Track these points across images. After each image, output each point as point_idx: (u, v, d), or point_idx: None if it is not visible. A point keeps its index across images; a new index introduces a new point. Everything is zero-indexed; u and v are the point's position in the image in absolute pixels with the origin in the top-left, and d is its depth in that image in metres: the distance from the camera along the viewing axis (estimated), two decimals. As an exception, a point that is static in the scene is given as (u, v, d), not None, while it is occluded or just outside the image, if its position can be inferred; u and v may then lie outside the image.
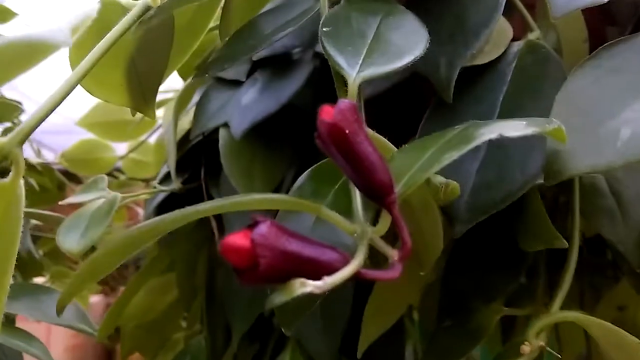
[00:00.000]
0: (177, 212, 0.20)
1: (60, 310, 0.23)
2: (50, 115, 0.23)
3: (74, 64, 0.30)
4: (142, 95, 0.35)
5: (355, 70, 0.26)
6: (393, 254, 0.22)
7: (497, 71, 0.34)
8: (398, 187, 0.22)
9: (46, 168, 0.63)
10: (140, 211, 0.99)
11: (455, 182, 0.28)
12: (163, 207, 0.48)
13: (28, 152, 0.70)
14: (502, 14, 0.38)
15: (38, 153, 0.75)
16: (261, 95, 0.42)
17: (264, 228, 0.19)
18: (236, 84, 0.45)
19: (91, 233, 0.38)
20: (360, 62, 0.26)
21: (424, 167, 0.22)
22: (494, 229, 0.36)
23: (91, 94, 0.34)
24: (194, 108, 0.51)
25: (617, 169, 0.35)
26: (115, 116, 0.82)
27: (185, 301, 0.55)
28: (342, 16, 0.29)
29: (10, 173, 0.22)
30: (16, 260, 0.68)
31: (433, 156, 0.22)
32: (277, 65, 0.43)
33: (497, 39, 0.36)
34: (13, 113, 0.68)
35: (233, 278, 0.46)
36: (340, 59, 0.26)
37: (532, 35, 0.36)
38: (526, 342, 0.29)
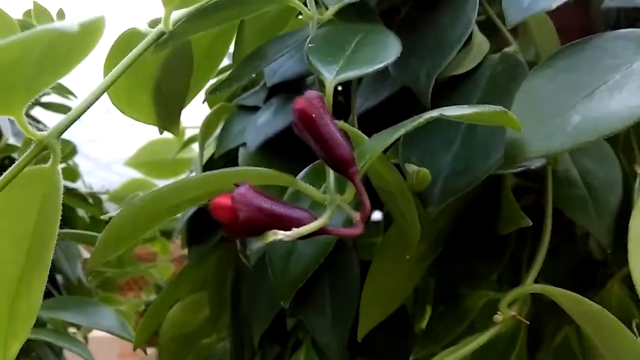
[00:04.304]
0: (176, 183, 0.26)
1: (89, 274, 0.28)
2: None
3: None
4: (168, 114, 0.41)
5: (333, 75, 0.31)
6: (356, 215, 0.26)
7: (473, 79, 0.39)
8: (362, 162, 0.27)
9: (96, 199, 0.70)
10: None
11: (425, 169, 0.32)
12: (193, 220, 0.53)
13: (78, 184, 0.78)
14: (488, 34, 0.43)
15: (90, 188, 0.83)
16: (274, 116, 0.47)
17: (242, 189, 0.24)
18: (255, 109, 0.51)
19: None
20: (337, 68, 0.31)
21: (381, 142, 0.27)
22: (479, 223, 0.40)
23: (124, 114, 0.39)
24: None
25: (588, 162, 0.38)
26: (160, 156, 0.90)
27: (214, 315, 0.59)
28: (327, 34, 0.34)
29: (50, 160, 0.28)
30: (68, 286, 0.75)
31: (388, 135, 0.27)
32: (291, 90, 0.49)
33: (475, 53, 0.41)
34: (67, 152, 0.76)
35: (254, 286, 0.51)
36: (320, 66, 0.31)
37: (509, 49, 0.40)
38: (499, 312, 0.32)
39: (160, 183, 0.93)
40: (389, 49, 0.34)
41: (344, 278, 0.46)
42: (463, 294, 0.38)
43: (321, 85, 0.33)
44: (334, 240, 0.33)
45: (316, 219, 0.25)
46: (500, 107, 0.28)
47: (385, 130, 0.30)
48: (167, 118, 0.41)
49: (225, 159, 0.52)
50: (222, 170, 0.27)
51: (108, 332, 0.55)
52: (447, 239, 0.40)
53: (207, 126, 0.53)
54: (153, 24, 0.34)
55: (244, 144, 0.48)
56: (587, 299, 0.31)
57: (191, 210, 0.53)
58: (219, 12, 0.33)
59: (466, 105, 0.27)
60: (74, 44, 0.23)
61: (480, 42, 0.41)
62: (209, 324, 0.63)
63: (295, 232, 0.24)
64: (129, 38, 0.33)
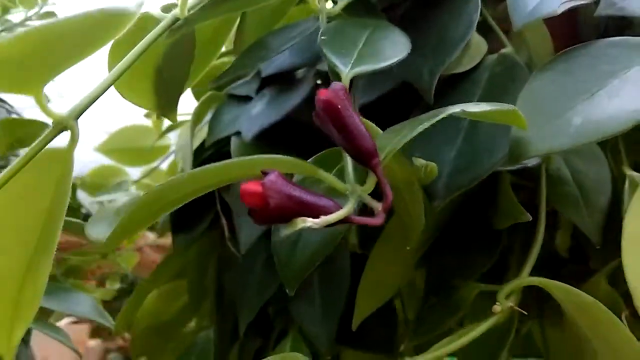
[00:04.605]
0: (201, 169, 0.26)
1: (107, 252, 0.28)
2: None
3: (111, 64, 0.36)
4: (167, 101, 0.41)
5: (348, 68, 0.31)
6: (378, 206, 0.27)
7: (473, 79, 0.40)
8: (382, 154, 0.27)
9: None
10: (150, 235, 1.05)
11: (433, 163, 0.33)
12: (178, 209, 0.53)
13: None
14: (482, 35, 0.44)
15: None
16: (268, 107, 0.47)
17: (272, 176, 0.25)
18: (246, 99, 0.51)
19: (118, 225, 0.43)
20: (352, 62, 0.32)
21: (403, 136, 0.27)
22: (473, 216, 0.41)
23: (125, 98, 0.39)
24: (205, 126, 0.57)
25: (579, 162, 0.40)
26: (131, 143, 0.88)
27: (194, 303, 0.59)
28: (338, 28, 0.35)
29: (68, 142, 0.27)
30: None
31: (409, 129, 0.28)
32: (283, 81, 0.49)
33: (473, 52, 0.42)
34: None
35: (240, 275, 0.50)
36: (335, 59, 0.32)
37: (505, 50, 0.42)
38: (497, 303, 0.34)
39: (131, 170, 0.91)
40: (398, 45, 0.35)
41: (334, 268, 0.47)
42: (455, 285, 0.40)
43: (332, 77, 0.34)
44: (343, 230, 0.33)
45: (341, 208, 0.26)
46: (513, 106, 0.29)
47: (400, 125, 0.31)
48: (166, 104, 0.41)
49: (214, 147, 0.52)
50: (245, 157, 0.27)
51: (85, 318, 0.54)
52: (441, 231, 0.41)
53: (198, 115, 0.52)
54: (165, 9, 0.34)
55: (236, 134, 0.48)
56: (582, 292, 0.33)
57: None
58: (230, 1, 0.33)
59: (484, 103, 0.28)
60: (111, 24, 0.23)
61: (478, 42, 0.42)
62: (186, 313, 0.63)
63: (324, 219, 0.25)
64: (142, 22, 0.33)
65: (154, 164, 0.90)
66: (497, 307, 0.34)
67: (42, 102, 0.26)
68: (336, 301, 0.45)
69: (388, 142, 0.28)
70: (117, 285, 0.98)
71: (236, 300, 0.50)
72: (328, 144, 0.49)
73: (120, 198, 0.47)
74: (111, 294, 0.83)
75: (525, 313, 0.34)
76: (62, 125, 0.27)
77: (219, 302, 0.54)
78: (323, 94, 0.27)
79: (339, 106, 0.26)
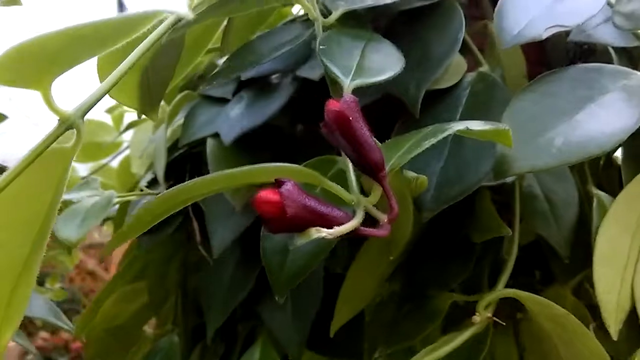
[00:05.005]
0: (213, 175, 0.26)
1: (106, 254, 0.27)
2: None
3: (101, 69, 0.35)
4: (150, 101, 0.40)
5: (349, 79, 0.32)
6: (383, 217, 0.27)
7: (455, 95, 0.41)
8: (387, 167, 0.28)
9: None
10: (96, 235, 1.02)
11: (423, 176, 0.34)
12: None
13: None
14: (459, 52, 0.46)
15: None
16: (247, 110, 0.47)
17: (289, 185, 0.25)
18: (222, 101, 0.50)
19: (88, 223, 0.42)
20: (352, 73, 0.32)
21: (408, 150, 0.28)
22: (449, 228, 0.42)
23: (110, 96, 0.38)
24: (173, 126, 0.57)
25: (549, 180, 0.42)
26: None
27: (155, 305, 0.58)
28: (334, 39, 0.35)
29: (73, 140, 0.27)
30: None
31: (414, 144, 0.28)
32: (261, 85, 0.49)
33: (454, 70, 0.43)
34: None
35: (209, 279, 0.50)
36: (335, 70, 0.32)
37: (482, 69, 0.43)
38: (477, 313, 0.35)
39: (78, 166, 0.88)
40: (392, 58, 0.35)
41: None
42: (429, 294, 0.41)
43: (331, 87, 0.34)
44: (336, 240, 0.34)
45: (351, 219, 0.26)
46: (506, 125, 0.30)
47: (398, 138, 0.32)
48: (149, 103, 0.40)
49: (185, 147, 0.51)
50: (257, 165, 0.27)
51: (45, 321, 0.52)
52: (417, 241, 0.42)
53: (171, 114, 0.51)
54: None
55: (212, 135, 0.48)
56: (555, 304, 0.35)
57: (146, 199, 0.52)
58: (236, 2, 0.33)
59: (481, 122, 0.30)
60: (135, 24, 0.23)
61: (458, 61, 0.44)
62: (142, 316, 0.62)
63: (337, 230, 0.25)
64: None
65: (104, 161, 0.88)
66: (476, 318, 0.35)
67: (49, 98, 0.25)
68: (308, 306, 0.46)
69: (391, 155, 0.29)
70: (57, 285, 0.95)
71: (203, 305, 0.50)
72: (304, 147, 0.50)
73: (89, 198, 0.45)
74: (64, 295, 0.79)
75: (504, 324, 0.36)
76: (68, 123, 0.26)
77: (184, 306, 0.53)
78: (334, 105, 0.27)
79: (350, 118, 0.27)
